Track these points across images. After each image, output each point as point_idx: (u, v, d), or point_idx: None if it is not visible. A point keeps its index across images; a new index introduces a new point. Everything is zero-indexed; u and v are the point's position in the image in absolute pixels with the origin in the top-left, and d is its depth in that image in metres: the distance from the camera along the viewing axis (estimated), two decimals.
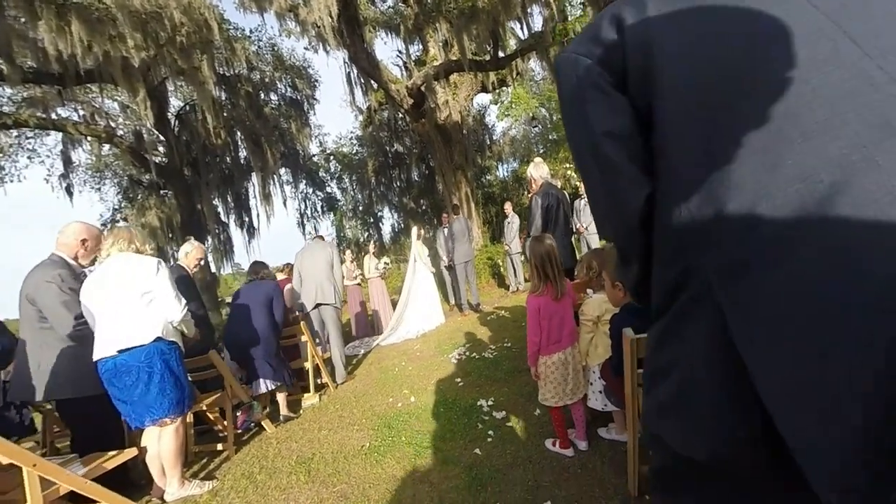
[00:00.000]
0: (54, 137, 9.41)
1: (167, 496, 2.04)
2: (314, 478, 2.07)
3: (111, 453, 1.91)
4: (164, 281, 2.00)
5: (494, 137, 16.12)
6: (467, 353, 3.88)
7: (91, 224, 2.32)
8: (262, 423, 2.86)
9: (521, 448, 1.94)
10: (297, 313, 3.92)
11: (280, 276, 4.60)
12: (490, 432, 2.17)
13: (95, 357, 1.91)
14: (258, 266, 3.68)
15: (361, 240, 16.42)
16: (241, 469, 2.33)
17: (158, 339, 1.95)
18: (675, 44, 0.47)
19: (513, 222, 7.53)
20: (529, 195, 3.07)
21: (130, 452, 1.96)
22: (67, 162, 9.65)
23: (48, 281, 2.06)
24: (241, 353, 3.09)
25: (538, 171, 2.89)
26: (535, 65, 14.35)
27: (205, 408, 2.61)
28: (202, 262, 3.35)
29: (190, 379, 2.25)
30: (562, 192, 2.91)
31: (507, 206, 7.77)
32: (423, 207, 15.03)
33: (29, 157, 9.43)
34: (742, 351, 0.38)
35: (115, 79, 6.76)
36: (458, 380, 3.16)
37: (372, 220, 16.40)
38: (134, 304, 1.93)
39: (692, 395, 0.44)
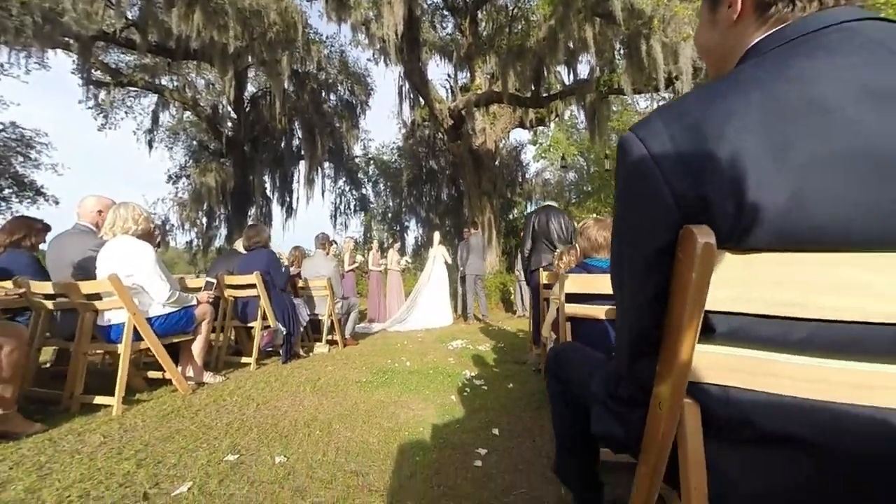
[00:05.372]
0: (150, 100, 11.24)
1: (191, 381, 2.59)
2: (318, 391, 2.52)
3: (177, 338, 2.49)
4: (149, 268, 2.27)
5: (527, 176, 16.77)
6: (464, 345, 4.27)
7: (104, 196, 2.72)
8: (279, 351, 3.37)
9: (489, 402, 2.33)
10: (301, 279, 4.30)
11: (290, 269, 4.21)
12: (467, 390, 2.57)
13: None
14: (251, 232, 3.64)
15: (385, 245, 17.21)
16: (261, 378, 2.83)
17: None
18: None
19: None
20: None
21: (188, 335, 2.53)
22: (155, 121, 11.38)
23: (92, 249, 2.43)
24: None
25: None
26: (578, 113, 15.04)
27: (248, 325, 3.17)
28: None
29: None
30: (556, 212, 3.30)
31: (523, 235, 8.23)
32: (448, 227, 15.61)
33: (126, 112, 11.56)
34: None
35: (212, 60, 7.93)
36: (451, 359, 3.56)
37: (398, 227, 17.11)
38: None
39: None
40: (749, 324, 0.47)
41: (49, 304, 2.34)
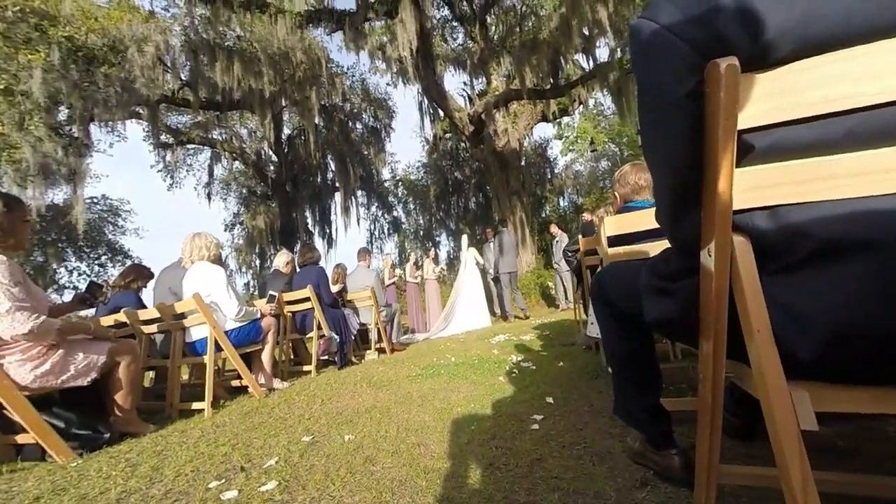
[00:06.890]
0: (205, 154, 12.67)
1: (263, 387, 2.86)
2: (373, 387, 2.69)
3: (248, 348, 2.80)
4: (222, 287, 2.61)
5: (556, 171, 16.47)
6: (507, 339, 4.29)
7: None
8: (334, 359, 3.63)
9: (539, 378, 2.35)
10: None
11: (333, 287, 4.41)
12: (515, 371, 2.61)
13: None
14: (304, 249, 4.23)
15: (420, 261, 17.51)
16: (321, 381, 3.07)
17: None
18: None
19: (561, 241, 7.81)
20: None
21: (257, 345, 2.84)
22: (211, 174, 12.80)
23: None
24: None
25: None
26: (604, 100, 14.50)
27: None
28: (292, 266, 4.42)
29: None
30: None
31: (553, 228, 8.17)
32: (478, 235, 15.63)
33: (186, 170, 13.07)
34: None
35: (252, 107, 8.83)
36: (495, 351, 3.61)
37: (430, 244, 17.37)
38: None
39: None
40: (788, 133, 0.48)
41: (146, 329, 2.75)
